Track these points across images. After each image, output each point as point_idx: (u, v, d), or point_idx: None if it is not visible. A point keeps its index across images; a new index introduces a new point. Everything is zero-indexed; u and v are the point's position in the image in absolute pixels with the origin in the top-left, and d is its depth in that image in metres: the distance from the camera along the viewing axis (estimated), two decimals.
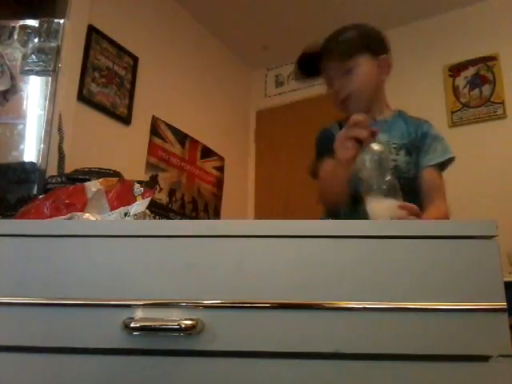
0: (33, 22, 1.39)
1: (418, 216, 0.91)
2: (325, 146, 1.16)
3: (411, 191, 1.14)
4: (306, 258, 0.68)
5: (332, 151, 1.05)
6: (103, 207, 0.96)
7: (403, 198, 0.97)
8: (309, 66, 1.29)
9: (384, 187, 0.96)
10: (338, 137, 1.01)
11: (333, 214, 1.23)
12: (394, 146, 1.23)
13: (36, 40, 1.37)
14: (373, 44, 1.26)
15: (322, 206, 1.27)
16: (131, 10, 2.81)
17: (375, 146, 0.95)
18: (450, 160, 1.24)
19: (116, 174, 1.20)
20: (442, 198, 1.22)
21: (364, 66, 1.23)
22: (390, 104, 1.35)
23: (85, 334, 0.68)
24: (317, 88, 3.84)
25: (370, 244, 0.68)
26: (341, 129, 1.13)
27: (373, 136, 0.96)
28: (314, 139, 1.34)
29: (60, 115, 1.38)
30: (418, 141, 1.25)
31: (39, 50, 1.35)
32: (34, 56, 1.35)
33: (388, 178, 0.96)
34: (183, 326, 0.65)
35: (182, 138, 3.07)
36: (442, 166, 1.24)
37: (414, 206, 0.92)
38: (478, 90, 2.98)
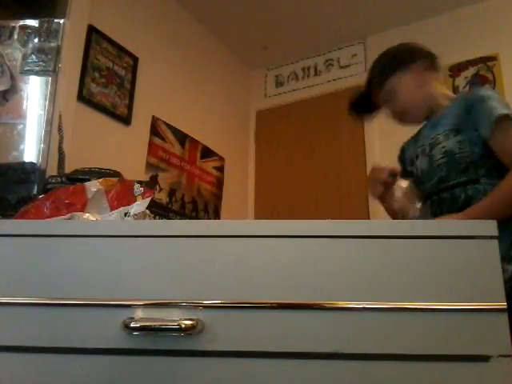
0: (33, 22, 1.39)
1: None
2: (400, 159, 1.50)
3: (470, 166, 1.22)
4: (305, 258, 0.68)
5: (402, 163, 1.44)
6: (103, 207, 0.96)
7: (461, 175, 1.21)
8: (361, 104, 1.46)
9: (416, 215, 1.11)
10: (367, 179, 1.23)
11: None
12: (445, 132, 1.28)
13: (36, 40, 1.37)
14: (397, 63, 1.39)
15: None
16: (131, 10, 2.80)
17: (401, 183, 1.13)
18: (501, 117, 1.18)
19: (116, 174, 1.20)
20: None
21: (398, 85, 1.37)
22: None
23: (85, 333, 0.68)
24: (317, 88, 3.88)
25: (370, 244, 0.68)
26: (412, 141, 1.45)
27: (395, 174, 1.14)
28: None
29: (60, 115, 1.38)
30: (464, 116, 1.26)
31: (39, 50, 1.35)
32: (33, 56, 1.35)
33: (418, 205, 1.16)
34: (183, 325, 0.65)
35: (181, 138, 3.06)
36: (498, 126, 1.18)
37: None
38: None
